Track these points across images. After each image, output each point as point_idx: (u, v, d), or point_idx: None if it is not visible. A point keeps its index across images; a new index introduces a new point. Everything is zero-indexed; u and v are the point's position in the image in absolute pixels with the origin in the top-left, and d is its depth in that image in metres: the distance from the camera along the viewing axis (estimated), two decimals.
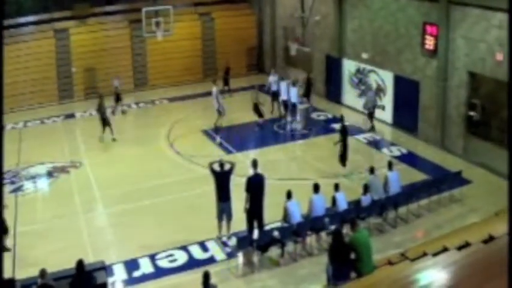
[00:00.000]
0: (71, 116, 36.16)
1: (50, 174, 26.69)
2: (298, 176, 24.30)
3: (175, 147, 28.40)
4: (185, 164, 26.06)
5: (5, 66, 34.72)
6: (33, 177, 26.51)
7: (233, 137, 29.59)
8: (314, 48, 37.07)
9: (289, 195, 18.31)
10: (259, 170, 19.07)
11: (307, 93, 33.66)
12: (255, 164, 18.96)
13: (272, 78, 34.15)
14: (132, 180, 25.13)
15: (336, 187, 19.23)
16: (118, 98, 35.17)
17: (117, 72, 38.61)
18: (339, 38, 34.23)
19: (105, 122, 29.94)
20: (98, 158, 28.14)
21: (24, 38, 38.38)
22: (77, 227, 21.36)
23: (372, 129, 29.71)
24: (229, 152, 27.54)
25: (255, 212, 18.40)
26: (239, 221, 18.86)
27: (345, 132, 24.85)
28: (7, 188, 25.50)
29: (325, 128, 30.55)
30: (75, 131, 33.40)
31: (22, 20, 38.07)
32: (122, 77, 37.84)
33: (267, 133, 30.40)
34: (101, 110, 30.07)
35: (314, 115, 32.89)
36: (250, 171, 19.16)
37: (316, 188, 18.65)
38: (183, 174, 25.44)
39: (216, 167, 19.16)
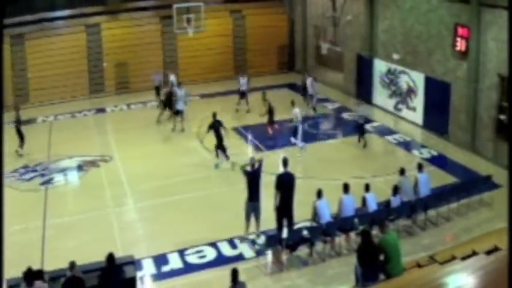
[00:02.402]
0: (101, 110, 36.47)
1: (80, 167, 26.95)
2: (328, 175, 24.21)
3: (205, 144, 28.42)
4: (215, 161, 26.07)
5: (37, 60, 35.46)
6: (63, 170, 26.81)
7: (263, 135, 29.54)
8: (345, 48, 37.00)
9: (319, 194, 18.27)
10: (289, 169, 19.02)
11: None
12: (285, 162, 18.90)
13: (242, 81, 34.77)
14: (162, 176, 25.25)
15: (366, 187, 19.16)
16: (158, 93, 35.58)
17: (148, 69, 38.82)
18: (370, 37, 34.12)
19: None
20: (128, 153, 28.32)
21: (56, 32, 38.72)
22: (107, 220, 21.54)
23: (365, 146, 28.14)
24: (258, 150, 27.51)
25: (284, 210, 18.36)
26: (268, 219, 18.84)
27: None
28: (37, 180, 25.83)
29: (356, 128, 30.36)
30: (105, 125, 33.69)
31: (54, 14, 38.37)
32: (153, 73, 37.93)
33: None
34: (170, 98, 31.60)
35: (345, 115, 32.79)
36: (281, 169, 19.11)
37: (346, 188, 18.60)
38: (213, 171, 25.51)
39: (248, 168, 19.16)
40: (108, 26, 39.92)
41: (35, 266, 15.46)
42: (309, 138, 29.05)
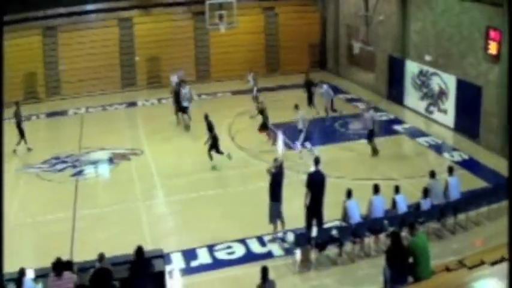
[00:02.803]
0: (133, 104, 36.76)
1: (110, 160, 27.24)
2: (358, 175, 24.12)
3: (236, 141, 28.48)
4: (246, 158, 26.13)
5: (69, 52, 35.77)
6: (94, 163, 27.15)
7: (295, 134, 29.45)
8: (377, 48, 36.82)
9: (349, 194, 18.22)
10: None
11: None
12: (317, 161, 18.86)
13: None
14: (193, 171, 25.38)
15: (396, 189, 19.07)
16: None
17: (180, 64, 38.96)
18: (402, 38, 33.92)
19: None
20: (158, 147, 28.51)
21: (89, 25, 39.09)
22: (136, 214, 21.75)
23: (375, 152, 26.90)
24: (290, 148, 27.47)
25: (314, 209, 18.32)
26: (298, 217, 18.80)
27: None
28: (68, 172, 26.09)
29: (386, 129, 30.25)
30: (136, 119, 33.95)
31: (87, 7, 38.72)
32: (185, 68, 38.06)
33: (328, 131, 30.28)
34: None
35: (376, 115, 32.62)
36: (312, 168, 19.07)
37: (376, 189, 18.53)
38: (243, 167, 25.57)
39: (273, 170, 19.07)
40: (141, 20, 40.18)
41: (64, 257, 15.66)
42: (339, 137, 28.96)
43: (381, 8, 35.63)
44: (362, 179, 23.34)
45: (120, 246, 17.09)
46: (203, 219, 20.97)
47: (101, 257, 15.12)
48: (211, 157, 25.55)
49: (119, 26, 40.04)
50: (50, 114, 35.86)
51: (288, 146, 27.34)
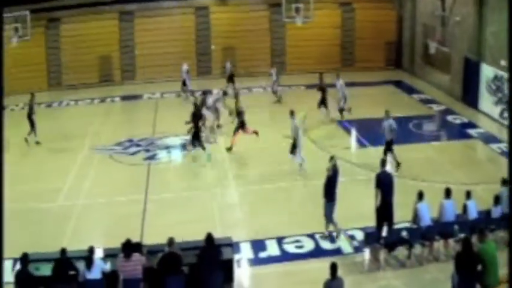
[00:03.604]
0: (208, 92, 36.94)
1: (184, 146, 27.55)
2: (430, 178, 23.85)
3: (310, 135, 28.45)
4: (318, 152, 26.07)
5: (145, 38, 36.44)
6: (167, 148, 27.61)
7: (368, 131, 29.35)
8: (453, 49, 36.29)
9: (420, 196, 18.05)
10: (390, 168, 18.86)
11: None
12: (383, 163, 18.80)
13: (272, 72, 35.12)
14: (267, 162, 25.43)
15: (468, 195, 18.84)
16: (231, 79, 35.93)
17: (256, 55, 39.32)
18: (478, 41, 33.28)
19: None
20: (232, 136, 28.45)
21: (166, 12, 39.73)
22: (207, 201, 22.02)
23: (398, 166, 24.67)
24: (362, 145, 27.43)
25: (384, 209, 18.27)
26: (368, 216, 18.71)
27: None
28: (141, 155, 26.60)
29: (460, 132, 29.85)
30: None
31: None
32: (260, 60, 38.36)
33: (402, 131, 29.91)
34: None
35: (450, 118, 32.24)
36: (379, 169, 18.96)
37: (447, 193, 18.33)
38: (315, 162, 25.35)
39: (330, 172, 18.96)
40: (217, 9, 40.63)
41: (134, 239, 15.87)
42: (413, 138, 28.63)
43: (457, 9, 35.06)
44: (434, 181, 23.10)
45: (190, 232, 17.32)
46: (274, 211, 21.06)
47: (171, 241, 15.32)
48: (203, 147, 25.95)
49: (196, 14, 40.52)
50: (125, 98, 36.54)
51: (361, 144, 27.21)
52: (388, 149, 24.41)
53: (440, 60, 38.13)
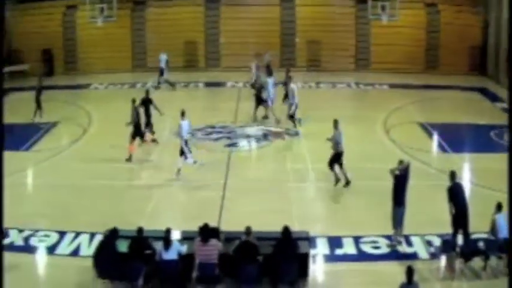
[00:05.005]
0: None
1: (265, 136, 27.77)
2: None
3: (391, 135, 28.28)
4: (399, 154, 25.70)
5: (230, 26, 37.05)
6: (248, 137, 27.85)
7: (449, 136, 28.91)
8: None
9: (499, 207, 17.61)
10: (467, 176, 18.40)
11: None
12: (453, 175, 18.33)
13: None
14: (345, 158, 25.04)
15: None
16: (269, 72, 35.54)
17: (339, 50, 39.14)
18: None
19: None
20: (314, 130, 28.23)
21: (251, 1, 40.29)
22: (286, 193, 21.93)
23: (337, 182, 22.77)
24: (444, 151, 27.01)
25: (459, 219, 17.93)
26: (445, 222, 18.42)
27: None
28: (222, 142, 26.88)
29: None
30: None
31: None
32: (344, 56, 38.24)
33: (483, 139, 29.39)
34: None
35: None
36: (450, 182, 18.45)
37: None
38: (396, 163, 25.21)
39: (397, 172, 18.65)
40: (303, 2, 40.70)
41: (211, 224, 16.01)
42: (493, 147, 28.02)
43: None
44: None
45: (266, 223, 17.41)
46: (352, 209, 20.94)
47: (248, 230, 15.44)
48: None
49: (281, 6, 40.66)
50: (208, 84, 36.86)
51: (442, 149, 26.82)
52: (338, 161, 22.76)
53: None
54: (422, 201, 19.63)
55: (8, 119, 30.23)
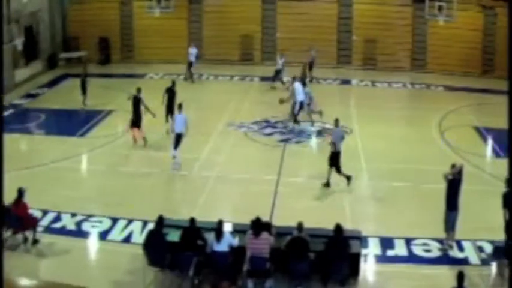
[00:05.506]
0: (346, 82, 37.31)
1: (319, 133, 27.80)
2: None
3: (445, 137, 28.03)
4: (453, 157, 25.50)
5: (286, 21, 37.31)
6: (302, 133, 27.92)
7: (506, 142, 28.29)
8: None
9: None
10: None
11: None
12: (509, 182, 18.07)
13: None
14: (399, 159, 24.97)
15: None
16: (311, 67, 36.02)
17: (396, 49, 38.98)
18: None
19: None
20: (368, 129, 28.36)
21: None
22: (338, 191, 21.93)
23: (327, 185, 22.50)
24: (498, 156, 26.56)
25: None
26: (498, 228, 18.23)
27: None
28: (276, 137, 27.10)
29: None
30: (349, 97, 34.45)
31: None
32: (400, 55, 38.00)
33: None
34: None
35: None
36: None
37: None
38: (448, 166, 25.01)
39: (450, 176, 18.46)
40: (361, 0, 40.33)
41: (264, 218, 16.13)
42: None
43: None
44: None
45: (318, 220, 17.45)
46: (405, 211, 20.72)
47: (300, 226, 15.53)
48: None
49: (339, 3, 40.61)
50: (264, 79, 36.90)
51: (497, 154, 26.49)
52: (337, 161, 22.29)
53: None
54: (474, 206, 19.48)
55: (64, 104, 31.30)
